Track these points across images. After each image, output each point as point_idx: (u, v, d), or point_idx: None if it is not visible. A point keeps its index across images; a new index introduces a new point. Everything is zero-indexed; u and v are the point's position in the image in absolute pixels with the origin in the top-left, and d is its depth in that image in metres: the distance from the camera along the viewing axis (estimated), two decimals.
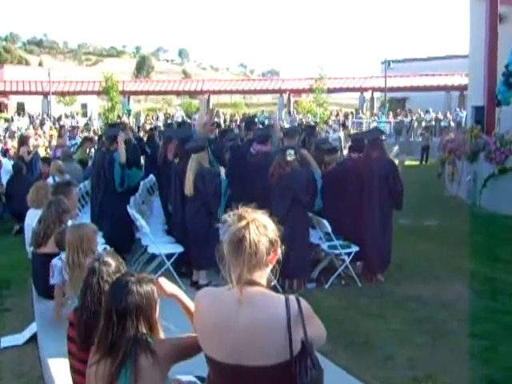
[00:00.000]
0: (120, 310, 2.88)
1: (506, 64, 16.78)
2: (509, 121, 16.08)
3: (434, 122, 36.34)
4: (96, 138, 17.03)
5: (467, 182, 14.85)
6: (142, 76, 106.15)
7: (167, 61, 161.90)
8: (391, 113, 40.39)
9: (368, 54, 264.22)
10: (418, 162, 25.87)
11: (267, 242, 2.53)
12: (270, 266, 2.62)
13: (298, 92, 51.53)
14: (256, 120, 17.57)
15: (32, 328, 6.23)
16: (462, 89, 38.97)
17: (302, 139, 10.18)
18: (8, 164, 14.57)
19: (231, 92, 58.48)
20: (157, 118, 41.71)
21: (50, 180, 10.28)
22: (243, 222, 2.52)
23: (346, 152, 18.45)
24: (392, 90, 44.63)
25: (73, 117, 44.01)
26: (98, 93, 50.88)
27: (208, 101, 49.46)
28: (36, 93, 48.91)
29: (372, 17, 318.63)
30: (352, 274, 8.06)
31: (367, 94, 49.01)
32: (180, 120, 36.06)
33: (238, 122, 30.83)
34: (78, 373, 3.64)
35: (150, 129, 17.95)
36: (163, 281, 3.02)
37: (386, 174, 8.22)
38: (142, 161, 11.44)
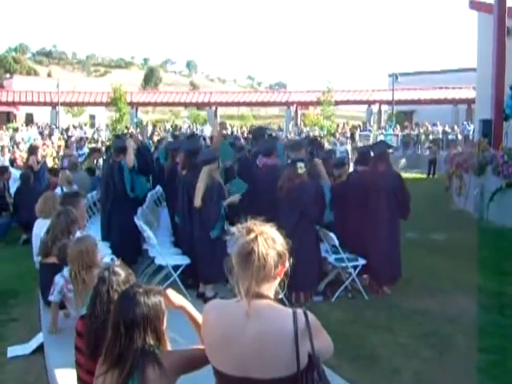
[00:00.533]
0: (128, 321, 2.88)
1: None
2: None
3: (441, 136, 36.30)
4: (104, 148, 17.11)
5: (474, 195, 14.81)
6: (149, 87, 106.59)
7: (175, 72, 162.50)
8: (398, 126, 40.39)
9: (375, 67, 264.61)
10: (425, 176, 25.84)
11: (275, 255, 2.53)
12: (278, 279, 2.62)
13: (306, 104, 51.60)
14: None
15: (39, 338, 6.24)
16: (470, 102, 38.97)
17: (309, 152, 10.18)
18: (16, 173, 14.66)
19: (238, 104, 58.62)
20: (165, 130, 41.80)
21: (58, 190, 10.33)
22: (252, 235, 2.52)
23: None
24: (399, 102, 44.64)
25: (81, 127, 44.17)
26: (106, 104, 51.09)
27: (215, 113, 49.68)
28: (45, 103, 49.12)
29: (379, 30, 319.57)
30: (359, 287, 8.05)
31: (374, 107, 49.03)
32: (188, 131, 36.26)
33: (246, 134, 30.84)
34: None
35: (158, 140, 18.04)
36: (171, 292, 3.01)
37: (393, 187, 8.23)
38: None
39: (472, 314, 7.04)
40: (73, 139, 24.82)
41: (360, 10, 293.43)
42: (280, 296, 2.66)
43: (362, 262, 8.08)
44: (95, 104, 52.82)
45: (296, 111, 50.09)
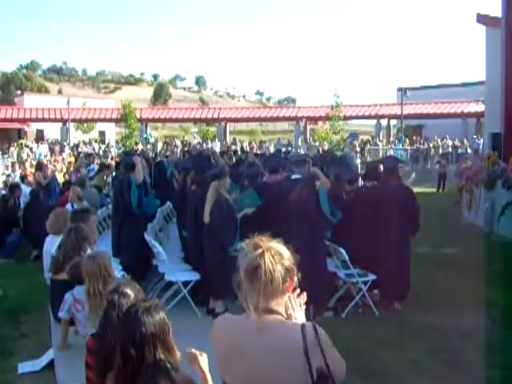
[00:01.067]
0: (137, 342, 2.88)
1: None
2: None
3: (450, 150, 36.22)
4: (114, 164, 17.19)
5: (485, 209, 14.74)
6: (159, 104, 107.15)
7: (184, 89, 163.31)
8: (407, 140, 40.35)
9: (384, 82, 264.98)
10: (435, 190, 25.74)
11: (283, 270, 2.54)
12: (287, 294, 2.63)
13: (315, 120, 51.72)
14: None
15: (49, 354, 6.25)
16: (479, 116, 38.92)
17: (320, 167, 10.18)
18: (27, 190, 14.76)
19: (248, 120, 58.84)
20: (175, 146, 41.90)
21: (68, 206, 10.38)
22: (259, 251, 2.53)
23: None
24: (408, 117, 44.64)
25: (90, 144, 44.41)
26: (116, 120, 51.42)
27: (225, 128, 49.83)
28: (55, 120, 49.51)
29: (388, 45, 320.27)
30: (369, 302, 8.01)
31: (383, 122, 49.04)
32: (198, 147, 36.36)
33: (255, 150, 30.91)
34: None
35: (166, 156, 18.13)
36: (203, 359, 2.94)
37: (404, 201, 8.21)
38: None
39: (483, 329, 6.98)
40: (82, 155, 24.88)
41: (368, 25, 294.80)
42: (290, 311, 2.67)
43: (372, 277, 8.06)
44: (105, 120, 53.21)
45: (305, 126, 50.19)
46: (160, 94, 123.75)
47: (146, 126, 50.75)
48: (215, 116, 51.54)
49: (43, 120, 50.50)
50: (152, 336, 2.90)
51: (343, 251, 7.83)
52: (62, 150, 36.51)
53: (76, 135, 52.66)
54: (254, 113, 54.76)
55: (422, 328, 7.26)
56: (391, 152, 37.09)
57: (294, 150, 37.02)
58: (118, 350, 2.98)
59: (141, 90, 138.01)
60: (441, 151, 35.80)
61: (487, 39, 24.53)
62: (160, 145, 43.99)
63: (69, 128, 47.85)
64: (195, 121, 61.03)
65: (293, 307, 2.63)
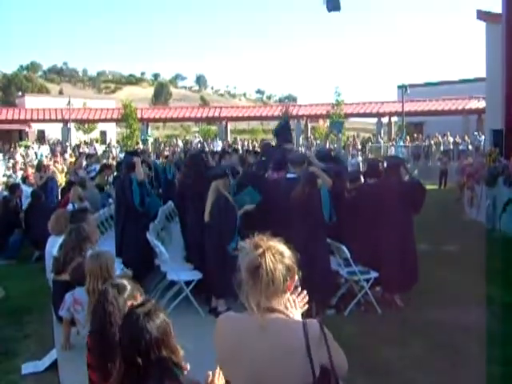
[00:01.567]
0: (142, 350, 2.87)
1: None
2: None
3: (452, 146, 36.18)
4: (115, 164, 17.18)
5: (486, 206, 14.74)
6: (159, 103, 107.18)
7: (185, 88, 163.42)
8: (408, 137, 40.32)
9: (384, 79, 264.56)
10: (436, 187, 25.74)
11: (284, 269, 2.54)
12: (289, 293, 2.63)
13: (315, 118, 51.67)
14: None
15: (52, 355, 6.26)
16: (480, 112, 38.88)
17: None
18: (28, 191, 14.78)
19: (248, 118, 58.77)
20: (176, 145, 41.94)
21: (69, 207, 10.39)
22: (259, 250, 2.53)
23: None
24: (409, 114, 44.58)
25: (91, 144, 44.41)
26: (117, 120, 51.40)
27: (226, 127, 49.82)
28: (56, 120, 49.49)
29: (388, 42, 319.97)
30: (372, 300, 8.02)
31: (384, 119, 49.00)
32: (199, 146, 36.37)
33: (257, 148, 30.83)
34: None
35: (166, 156, 18.13)
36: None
37: (409, 193, 8.24)
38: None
39: (485, 325, 6.98)
40: (82, 156, 24.78)
41: (369, 22, 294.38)
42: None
43: (374, 274, 8.06)
44: (106, 120, 53.19)
45: (306, 124, 50.15)
46: (161, 94, 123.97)
47: (147, 126, 50.73)
48: (216, 115, 51.52)
49: (44, 121, 50.50)
50: (156, 340, 2.89)
51: (345, 249, 7.84)
52: (64, 151, 36.52)
53: (77, 135, 52.69)
54: (255, 111, 54.71)
55: (424, 325, 7.27)
56: (392, 149, 37.10)
57: (293, 147, 36.92)
58: (122, 358, 2.95)
59: (141, 90, 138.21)
60: (442, 148, 35.77)
61: (487, 35, 24.53)
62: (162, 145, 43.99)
63: (70, 128, 47.86)
64: (196, 120, 61.06)
65: (291, 306, 2.64)
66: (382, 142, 41.33)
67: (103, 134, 58.38)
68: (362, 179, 9.43)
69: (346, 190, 8.95)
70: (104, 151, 37.65)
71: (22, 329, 7.53)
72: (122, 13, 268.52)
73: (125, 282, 3.85)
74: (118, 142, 51.33)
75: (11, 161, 27.99)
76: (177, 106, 66.38)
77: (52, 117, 49.78)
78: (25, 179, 17.14)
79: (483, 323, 7.09)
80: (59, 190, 15.32)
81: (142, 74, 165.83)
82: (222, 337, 2.68)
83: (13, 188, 14.18)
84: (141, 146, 36.31)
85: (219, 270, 7.69)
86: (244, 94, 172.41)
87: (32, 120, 50.50)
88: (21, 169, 22.16)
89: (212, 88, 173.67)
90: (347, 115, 47.43)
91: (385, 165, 9.30)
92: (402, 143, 38.46)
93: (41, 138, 50.17)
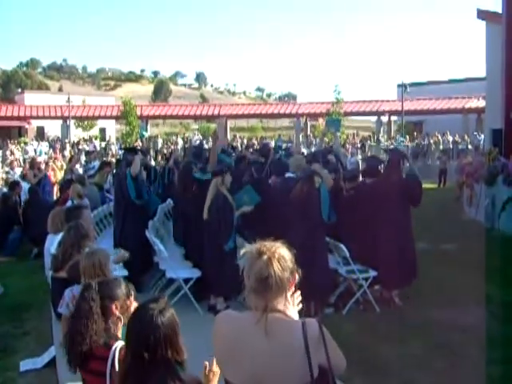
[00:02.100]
0: (151, 345, 2.87)
1: None
2: None
3: (451, 145, 36.18)
4: (114, 162, 17.16)
5: (485, 205, 14.75)
6: (159, 100, 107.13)
7: (185, 85, 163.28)
8: (408, 136, 40.32)
9: (384, 77, 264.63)
10: (435, 186, 25.74)
11: (289, 273, 2.59)
12: (290, 292, 2.65)
13: (315, 116, 51.65)
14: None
15: (51, 352, 6.27)
16: (479, 111, 38.88)
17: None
18: (26, 187, 14.78)
19: (248, 116, 58.76)
20: (176, 143, 41.86)
21: (69, 203, 10.39)
22: (264, 258, 2.55)
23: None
24: (409, 113, 44.60)
25: (90, 141, 44.36)
26: (117, 117, 51.38)
27: (225, 125, 49.74)
28: (55, 117, 49.51)
29: (388, 40, 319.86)
30: (370, 298, 8.03)
31: (384, 118, 49.01)
32: (198, 143, 36.30)
33: (256, 146, 30.82)
34: None
35: (170, 153, 18.10)
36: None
37: (407, 191, 8.25)
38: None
39: (483, 325, 6.99)
40: (77, 154, 24.73)
41: (368, 20, 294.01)
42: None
43: (372, 273, 8.07)
44: (105, 117, 53.21)
45: (306, 122, 50.15)
46: (160, 91, 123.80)
47: (147, 123, 50.70)
48: (215, 113, 51.50)
49: (43, 117, 50.53)
50: (165, 337, 2.89)
51: (344, 248, 7.84)
52: (63, 148, 36.49)
53: (76, 132, 52.64)
54: (255, 109, 54.69)
55: (423, 324, 7.28)
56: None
57: (291, 145, 36.94)
58: (129, 351, 2.95)
59: (141, 87, 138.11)
60: (441, 147, 35.75)
61: (487, 35, 24.50)
62: (160, 141, 43.91)
63: (69, 125, 47.83)
64: (196, 117, 61.01)
65: (289, 303, 2.66)
66: (382, 140, 41.30)
67: (102, 131, 58.33)
68: (361, 178, 9.43)
69: (343, 189, 8.95)
70: (102, 148, 37.58)
71: (21, 325, 7.54)
72: (122, 10, 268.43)
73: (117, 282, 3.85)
74: (117, 139, 51.30)
75: (9, 157, 28.00)
76: (176, 104, 66.39)
77: (51, 114, 49.79)
78: (24, 176, 17.15)
79: (482, 322, 7.09)
80: (56, 187, 15.31)
81: (142, 71, 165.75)
82: (220, 335, 2.68)
83: (13, 185, 14.18)
84: (139, 143, 36.27)
85: (218, 268, 7.71)
86: (244, 92, 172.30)
87: (31, 117, 50.50)
88: (20, 165, 22.18)
89: (212, 86, 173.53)
90: (347, 113, 47.42)
91: (386, 159, 9.29)
92: (401, 142, 38.45)
93: (40, 134, 50.15)
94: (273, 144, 33.24)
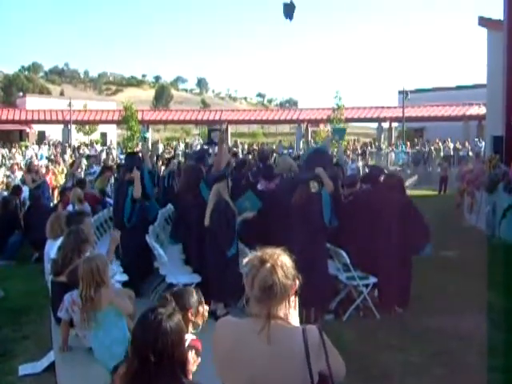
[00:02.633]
0: (157, 351, 2.84)
1: None
2: None
3: (452, 152, 36.20)
4: (115, 166, 17.16)
5: (486, 212, 14.73)
6: (160, 105, 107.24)
7: (186, 90, 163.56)
8: (408, 143, 40.36)
9: (385, 84, 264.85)
10: (436, 193, 25.75)
11: (291, 280, 2.60)
12: (291, 297, 2.65)
13: (316, 122, 51.68)
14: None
15: (50, 356, 6.25)
16: (480, 118, 38.91)
17: None
18: (27, 191, 14.81)
19: (249, 122, 58.82)
20: (175, 149, 41.86)
21: (70, 207, 10.40)
22: (267, 266, 2.56)
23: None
24: (410, 119, 44.65)
25: (91, 145, 44.39)
26: (118, 122, 51.44)
27: (226, 130, 49.75)
28: (57, 121, 49.54)
29: (389, 47, 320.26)
30: (370, 305, 8.01)
31: (385, 124, 49.05)
32: (198, 148, 36.31)
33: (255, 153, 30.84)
34: None
35: (168, 158, 18.08)
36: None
37: (401, 210, 8.21)
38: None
39: (483, 332, 6.97)
40: (78, 159, 24.64)
41: (370, 27, 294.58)
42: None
43: (373, 280, 8.05)
44: (106, 122, 53.26)
45: (306, 128, 50.18)
46: (161, 96, 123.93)
47: (148, 128, 50.70)
48: (216, 118, 51.53)
49: (45, 122, 50.55)
50: (172, 343, 2.88)
51: (344, 254, 7.83)
52: (63, 152, 36.51)
53: (78, 137, 52.67)
54: (256, 115, 54.75)
55: (423, 331, 7.25)
56: (393, 155, 37.10)
57: (292, 151, 37.02)
58: (136, 355, 2.93)
59: (142, 92, 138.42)
60: (442, 154, 35.78)
61: (489, 42, 24.55)
62: (161, 146, 43.90)
63: (70, 130, 47.86)
64: (197, 123, 61.05)
65: (290, 306, 2.66)
66: (383, 147, 41.31)
67: (104, 135, 58.37)
68: (360, 185, 9.42)
69: (342, 195, 8.94)
70: (101, 151, 37.56)
71: (21, 329, 7.52)
72: (125, 15, 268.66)
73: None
74: (118, 143, 51.32)
75: (11, 161, 28.03)
76: (177, 109, 66.45)
77: (53, 118, 49.82)
78: (25, 180, 17.16)
79: (483, 330, 7.07)
80: (57, 191, 15.33)
81: (144, 76, 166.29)
82: (220, 341, 2.68)
83: (14, 189, 14.21)
84: (140, 147, 36.22)
85: (219, 273, 7.69)
86: (245, 98, 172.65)
87: (33, 121, 50.55)
88: (21, 169, 22.18)
89: (213, 91, 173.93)
90: (348, 120, 47.45)
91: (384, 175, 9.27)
92: (402, 149, 38.47)
93: (41, 138, 50.19)
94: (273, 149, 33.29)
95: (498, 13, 21.77)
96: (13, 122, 49.95)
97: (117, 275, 7.59)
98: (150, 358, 2.83)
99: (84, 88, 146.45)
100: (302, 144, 45.22)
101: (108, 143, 50.98)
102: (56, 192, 16.97)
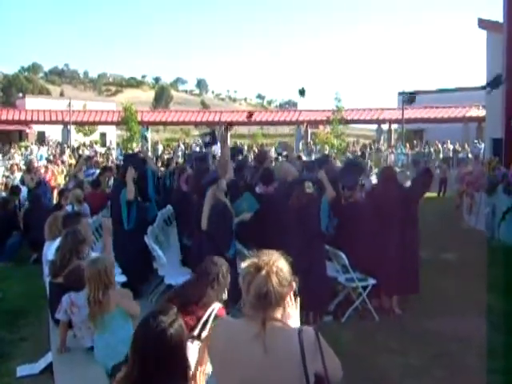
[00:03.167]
0: (159, 358, 2.83)
1: None
2: None
3: (451, 154, 36.21)
4: (115, 167, 17.13)
5: (485, 214, 14.73)
6: (160, 106, 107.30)
7: (186, 91, 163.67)
8: (408, 145, 40.35)
9: (385, 85, 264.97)
10: (435, 194, 25.73)
11: (287, 285, 2.60)
12: (287, 300, 2.64)
13: (316, 123, 51.65)
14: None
15: (47, 358, 6.24)
16: (480, 120, 38.91)
17: None
18: (26, 191, 14.80)
19: (249, 123, 58.79)
20: (174, 152, 41.84)
21: (69, 208, 10.37)
22: (263, 272, 2.55)
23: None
24: (409, 121, 44.62)
25: (91, 146, 44.37)
26: (117, 123, 51.41)
27: (226, 131, 49.74)
28: (56, 122, 49.49)
29: (389, 49, 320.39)
30: (369, 307, 7.99)
31: (385, 126, 49.03)
32: (198, 149, 36.31)
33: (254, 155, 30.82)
34: None
35: (168, 159, 18.09)
36: None
37: (404, 203, 8.22)
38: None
39: (483, 335, 6.96)
40: (81, 159, 24.62)
41: (370, 29, 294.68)
42: None
43: (372, 281, 8.04)
44: (106, 123, 53.23)
45: (306, 130, 50.15)
46: (161, 97, 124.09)
47: (147, 129, 50.69)
48: (216, 119, 51.50)
49: (44, 122, 50.51)
50: (173, 349, 2.87)
51: (343, 255, 7.82)
52: (62, 152, 36.49)
53: (77, 137, 52.65)
54: (255, 116, 54.70)
55: (423, 333, 7.25)
56: (392, 156, 37.08)
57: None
58: (137, 362, 2.90)
59: (142, 93, 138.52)
60: (441, 156, 35.78)
61: (488, 44, 24.57)
62: (161, 147, 43.92)
63: (70, 130, 47.83)
64: (196, 124, 61.00)
65: (290, 303, 2.66)
66: (382, 148, 41.30)
67: (103, 136, 58.35)
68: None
69: (342, 197, 8.93)
70: (105, 154, 37.50)
71: (18, 331, 7.51)
72: (125, 16, 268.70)
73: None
74: (117, 144, 51.31)
75: (10, 161, 28.01)
76: (177, 110, 66.42)
77: (52, 118, 49.78)
78: (24, 180, 17.15)
79: (482, 332, 7.06)
80: (56, 191, 15.30)
81: (143, 77, 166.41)
82: (216, 341, 2.69)
83: (13, 189, 14.18)
84: (140, 148, 36.21)
85: None
86: (245, 99, 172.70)
87: (32, 121, 50.50)
88: (20, 170, 22.16)
89: (213, 92, 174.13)
90: (347, 121, 47.42)
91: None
92: (401, 150, 38.45)
93: (41, 139, 50.17)
94: (273, 151, 33.30)
95: (497, 15, 21.82)
96: (12, 122, 49.90)
97: (116, 276, 7.57)
98: (150, 366, 2.81)
99: (84, 89, 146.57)
100: (301, 145, 45.18)
101: (107, 144, 50.97)
102: (55, 192, 16.95)
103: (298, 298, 2.73)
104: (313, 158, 27.22)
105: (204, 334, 3.82)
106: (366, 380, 5.81)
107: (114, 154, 38.83)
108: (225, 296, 4.47)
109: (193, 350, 3.62)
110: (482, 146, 33.03)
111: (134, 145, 44.66)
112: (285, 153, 24.13)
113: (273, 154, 27.72)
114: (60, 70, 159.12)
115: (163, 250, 8.84)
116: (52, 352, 6.22)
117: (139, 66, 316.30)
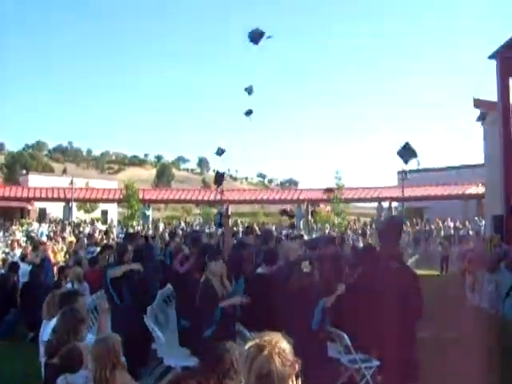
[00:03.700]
0: None
1: None
2: None
3: (452, 231, 36.23)
4: (115, 245, 17.12)
5: (489, 291, 14.58)
6: (162, 184, 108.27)
7: (187, 170, 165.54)
8: (408, 223, 40.44)
9: (384, 164, 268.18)
10: (437, 272, 25.58)
11: (290, 366, 2.55)
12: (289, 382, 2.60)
13: (316, 202, 51.97)
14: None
15: None
16: (480, 197, 39.19)
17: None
18: (27, 269, 14.69)
19: (250, 202, 59.15)
20: (175, 231, 41.82)
21: (69, 285, 10.32)
22: (265, 352, 2.51)
23: None
24: (409, 199, 44.91)
25: (92, 223, 44.53)
26: (119, 201, 51.79)
27: (227, 210, 49.94)
28: (58, 199, 49.96)
29: (387, 127, 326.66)
30: None
31: (385, 204, 49.32)
32: (198, 227, 36.36)
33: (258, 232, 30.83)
34: None
35: (170, 234, 18.11)
36: None
37: (405, 287, 8.10)
38: None
39: None
40: (81, 236, 24.67)
41: (368, 108, 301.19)
42: None
43: (375, 363, 7.87)
44: (108, 201, 53.64)
45: (307, 208, 50.40)
46: (163, 175, 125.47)
47: (149, 207, 50.99)
48: (217, 198, 51.83)
49: (47, 199, 50.96)
50: None
51: (345, 336, 7.69)
52: (63, 229, 36.57)
53: (78, 215, 52.91)
54: (256, 195, 55.15)
55: None
56: None
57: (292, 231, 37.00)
58: None
59: (144, 171, 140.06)
60: (443, 233, 35.79)
61: (485, 122, 25.05)
62: (162, 226, 43.99)
63: (71, 207, 48.15)
64: (197, 202, 61.43)
65: None
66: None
67: (104, 213, 58.65)
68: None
69: (345, 275, 8.87)
70: (104, 232, 37.55)
71: None
72: (128, 97, 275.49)
73: None
74: (119, 221, 51.50)
75: (10, 237, 28.03)
76: (178, 188, 67.00)
77: (54, 195, 50.26)
78: (24, 257, 17.10)
79: None
80: (56, 269, 15.23)
81: (146, 155, 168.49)
82: None
83: (12, 266, 14.11)
84: (140, 227, 36.32)
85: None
86: (246, 178, 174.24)
87: (34, 198, 50.95)
88: (20, 246, 22.16)
89: (214, 171, 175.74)
90: (348, 200, 47.75)
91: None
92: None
93: (42, 215, 50.43)
94: (274, 228, 33.38)
95: (491, 95, 22.27)
96: (15, 199, 50.36)
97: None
98: None
99: (87, 166, 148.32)
100: (302, 224, 45.29)
101: (108, 221, 51.16)
102: (55, 269, 16.87)
103: (300, 381, 2.68)
104: (313, 236, 27.26)
105: None
106: None
107: (115, 231, 38.87)
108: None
109: None
110: (483, 222, 33.11)
111: (135, 223, 44.81)
112: (285, 232, 24.16)
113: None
114: (64, 148, 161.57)
115: (162, 330, 8.71)
116: None
117: (142, 144, 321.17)
